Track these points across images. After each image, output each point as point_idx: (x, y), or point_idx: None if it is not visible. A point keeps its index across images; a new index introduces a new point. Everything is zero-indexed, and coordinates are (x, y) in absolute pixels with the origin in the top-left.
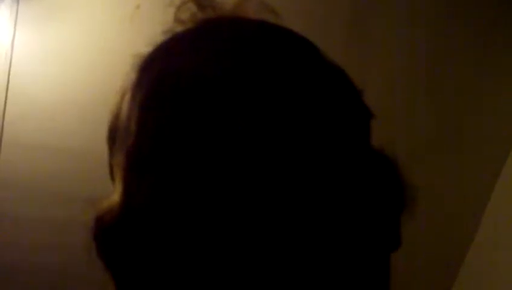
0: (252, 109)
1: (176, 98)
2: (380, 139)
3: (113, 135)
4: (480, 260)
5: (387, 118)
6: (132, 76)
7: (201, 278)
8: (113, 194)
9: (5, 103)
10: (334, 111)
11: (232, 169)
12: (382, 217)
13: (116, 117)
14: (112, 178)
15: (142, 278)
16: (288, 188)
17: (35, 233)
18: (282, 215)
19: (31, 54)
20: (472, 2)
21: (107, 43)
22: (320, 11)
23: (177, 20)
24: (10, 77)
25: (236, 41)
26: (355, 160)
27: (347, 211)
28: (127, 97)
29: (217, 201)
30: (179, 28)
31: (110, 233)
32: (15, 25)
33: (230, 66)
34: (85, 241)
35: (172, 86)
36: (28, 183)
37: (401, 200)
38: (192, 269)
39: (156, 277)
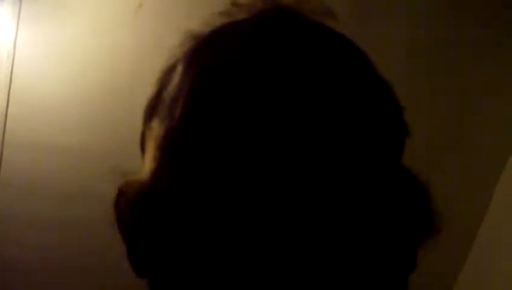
0: (296, 110)
1: (227, 90)
2: None
3: (153, 107)
4: (482, 260)
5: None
6: (182, 54)
7: (222, 264)
8: (143, 169)
9: (8, 102)
10: (372, 123)
11: (267, 166)
12: (403, 240)
13: (158, 92)
14: (142, 149)
15: (159, 255)
16: (314, 194)
17: (36, 231)
18: (303, 221)
19: (33, 53)
20: None
21: (110, 42)
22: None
23: (235, 3)
24: (12, 76)
25: (290, 40)
26: (386, 176)
27: (368, 229)
28: (175, 75)
29: (246, 195)
30: (235, 12)
31: (135, 208)
32: (17, 24)
33: (282, 65)
34: (88, 238)
35: (225, 78)
36: (30, 182)
37: (426, 226)
38: (212, 255)
39: (172, 255)
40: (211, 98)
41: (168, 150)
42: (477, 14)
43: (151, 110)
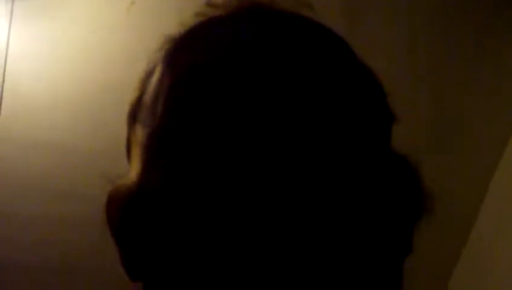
0: (278, 104)
1: (205, 89)
2: None
3: (135, 112)
4: (478, 254)
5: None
6: (160, 57)
7: (211, 265)
8: (130, 173)
9: (0, 99)
10: (358, 111)
11: (253, 162)
12: (398, 222)
13: (139, 96)
14: (128, 155)
15: (151, 259)
16: (304, 188)
17: (28, 229)
18: (296, 215)
19: (26, 51)
20: None
21: (102, 40)
22: (316, 3)
23: (210, 4)
24: (5, 74)
25: (269, 35)
26: (375, 162)
27: (362, 214)
28: (155, 78)
29: (234, 191)
30: (211, 12)
31: (124, 212)
32: (10, 22)
33: (260, 61)
34: (83, 236)
35: (203, 75)
36: (22, 180)
37: (418, 208)
38: (201, 254)
39: (165, 259)
40: (190, 96)
41: (152, 151)
42: (477, 10)
43: (133, 116)
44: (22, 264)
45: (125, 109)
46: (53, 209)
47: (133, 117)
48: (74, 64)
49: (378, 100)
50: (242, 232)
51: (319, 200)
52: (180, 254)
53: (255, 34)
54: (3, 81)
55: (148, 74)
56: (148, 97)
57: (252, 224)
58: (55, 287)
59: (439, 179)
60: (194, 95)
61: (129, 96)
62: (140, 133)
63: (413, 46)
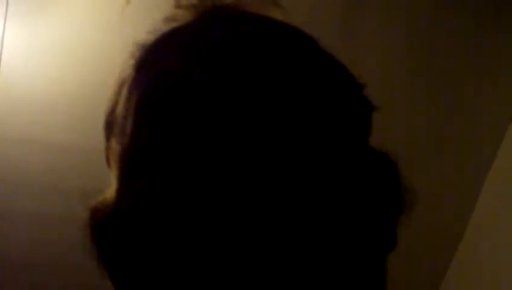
0: (249, 110)
1: (172, 102)
2: (376, 132)
3: (110, 124)
4: (472, 253)
5: (383, 113)
6: (130, 69)
7: (193, 278)
8: (109, 188)
9: None
10: (332, 105)
11: (226, 172)
12: (379, 217)
13: (113, 108)
14: (108, 165)
15: (134, 272)
16: (284, 187)
17: (25, 228)
18: (277, 214)
19: (21, 48)
20: None
21: (98, 37)
22: (313, 2)
23: (178, 6)
24: (0, 70)
25: (234, 40)
26: (355, 157)
27: (344, 210)
28: (124, 92)
29: (209, 202)
30: (180, 14)
31: (105, 228)
32: (5, 18)
33: (227, 67)
34: (79, 234)
35: (168, 90)
36: (17, 177)
37: (399, 202)
38: (183, 267)
39: (148, 272)
40: (155, 112)
41: (125, 169)
42: (477, 17)
43: (108, 128)
44: (17, 262)
45: None
46: (49, 207)
47: (108, 130)
48: (70, 61)
49: (353, 92)
50: (221, 244)
51: (298, 197)
52: (164, 268)
53: (218, 42)
54: None
55: (120, 85)
56: (119, 110)
57: (231, 236)
58: (51, 284)
59: (434, 176)
60: (161, 112)
61: None
62: (115, 147)
63: (410, 44)
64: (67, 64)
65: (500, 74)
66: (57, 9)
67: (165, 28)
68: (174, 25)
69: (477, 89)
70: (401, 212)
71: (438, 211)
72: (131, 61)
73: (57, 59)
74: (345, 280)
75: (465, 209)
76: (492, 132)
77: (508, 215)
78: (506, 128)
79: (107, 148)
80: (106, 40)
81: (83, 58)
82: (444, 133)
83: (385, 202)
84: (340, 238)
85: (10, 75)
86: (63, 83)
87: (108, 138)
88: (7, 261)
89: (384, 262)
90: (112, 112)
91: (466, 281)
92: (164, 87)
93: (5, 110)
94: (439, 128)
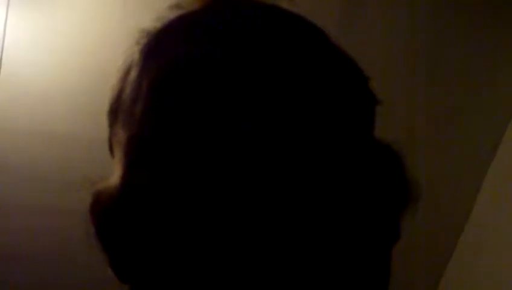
0: (256, 99)
1: (184, 89)
2: (375, 128)
3: (115, 111)
4: (472, 247)
5: (382, 108)
6: (137, 55)
7: (197, 267)
8: (113, 176)
9: None
10: (338, 98)
11: (234, 161)
12: (383, 210)
13: (118, 94)
14: (111, 154)
15: (137, 261)
16: (289, 178)
17: (24, 218)
18: (281, 205)
19: (23, 38)
20: None
21: (100, 28)
22: None
23: None
24: (2, 61)
25: (244, 27)
26: (360, 150)
27: (349, 201)
28: (132, 77)
29: (216, 193)
30: (186, 1)
31: (107, 215)
32: (7, 9)
33: (238, 54)
34: (80, 224)
35: (180, 77)
36: (17, 168)
37: (403, 195)
38: (187, 256)
39: (149, 258)
40: (169, 99)
41: (132, 156)
42: (477, 14)
43: (113, 115)
44: (18, 254)
45: None
46: (49, 198)
47: (113, 117)
48: (72, 52)
49: (359, 84)
50: (226, 233)
51: (303, 188)
52: (166, 256)
53: (231, 26)
54: (0, 68)
55: (126, 71)
56: (126, 96)
57: (236, 225)
58: (52, 276)
59: (434, 171)
60: (171, 99)
61: None
62: (121, 134)
63: (411, 38)
64: (69, 55)
65: (501, 67)
66: (59, 1)
67: (171, 15)
68: (180, 12)
69: (478, 85)
70: (406, 203)
71: (437, 210)
72: (138, 47)
73: (58, 50)
74: (350, 271)
75: (464, 209)
76: (491, 130)
77: (507, 214)
78: (506, 127)
79: (111, 134)
80: (109, 29)
81: (85, 49)
82: (444, 132)
83: (389, 193)
84: (345, 230)
85: (12, 66)
86: (65, 74)
87: (112, 125)
88: (7, 253)
89: (390, 254)
90: (117, 99)
91: (465, 280)
92: (175, 73)
93: (6, 100)
94: (439, 127)
